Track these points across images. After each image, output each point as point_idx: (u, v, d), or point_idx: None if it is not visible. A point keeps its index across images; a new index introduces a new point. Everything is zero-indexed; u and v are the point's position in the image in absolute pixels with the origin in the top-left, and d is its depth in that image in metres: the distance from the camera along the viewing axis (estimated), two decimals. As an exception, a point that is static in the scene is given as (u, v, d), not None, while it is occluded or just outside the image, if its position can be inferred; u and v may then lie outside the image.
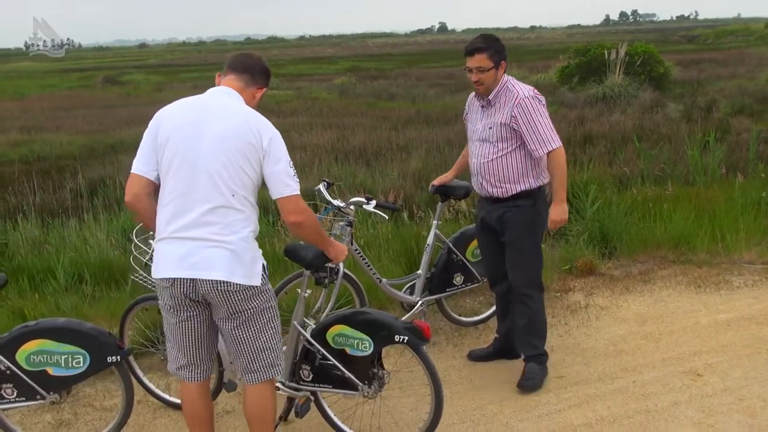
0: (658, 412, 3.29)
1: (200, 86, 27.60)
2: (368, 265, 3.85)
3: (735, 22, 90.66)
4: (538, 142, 3.34)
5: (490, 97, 3.45)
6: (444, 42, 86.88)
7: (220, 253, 2.45)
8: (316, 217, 2.61)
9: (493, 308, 4.42)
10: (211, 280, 2.45)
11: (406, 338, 2.78)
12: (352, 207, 3.66)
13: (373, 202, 3.67)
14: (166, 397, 3.50)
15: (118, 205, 7.28)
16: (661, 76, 19.47)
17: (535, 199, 3.50)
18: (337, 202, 3.62)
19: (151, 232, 3.13)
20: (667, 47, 40.26)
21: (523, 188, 3.46)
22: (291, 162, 2.55)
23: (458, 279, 4.12)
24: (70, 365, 2.87)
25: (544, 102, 3.45)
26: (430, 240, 4.02)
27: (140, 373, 3.54)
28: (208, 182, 2.44)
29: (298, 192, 2.53)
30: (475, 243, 4.13)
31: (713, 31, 61.39)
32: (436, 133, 13.55)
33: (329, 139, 13.20)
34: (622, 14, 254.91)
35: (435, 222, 4.03)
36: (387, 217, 3.93)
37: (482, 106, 3.53)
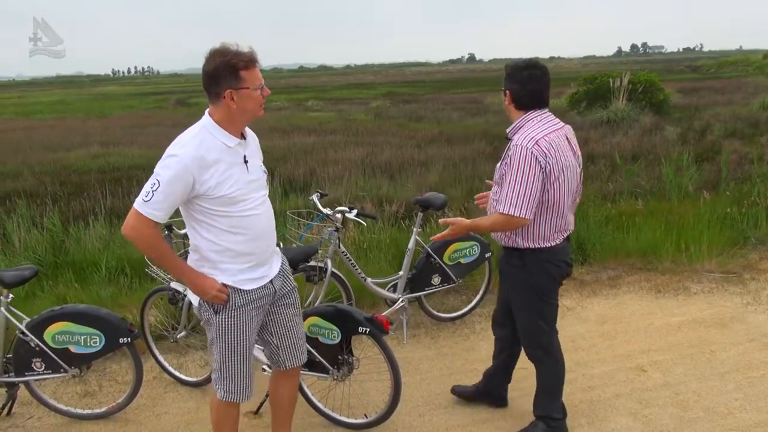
0: (600, 402, 3.25)
1: (255, 108, 28.14)
2: (354, 266, 3.90)
3: (736, 54, 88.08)
4: (502, 199, 2.57)
5: (508, 130, 2.71)
6: (471, 71, 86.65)
7: None
8: (157, 242, 2.23)
9: (470, 306, 4.44)
10: None
11: (368, 329, 2.82)
12: (338, 215, 3.71)
13: (355, 211, 3.72)
14: (178, 374, 3.59)
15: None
16: (661, 102, 19.18)
17: (526, 262, 2.73)
18: (326, 211, 3.69)
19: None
20: (672, 76, 39.40)
21: (512, 244, 2.74)
22: (156, 179, 2.14)
23: (436, 280, 4.13)
24: (88, 344, 3.00)
25: (539, 158, 2.52)
26: (411, 245, 4.05)
27: (157, 353, 3.65)
28: None
29: (139, 209, 2.15)
30: (452, 248, 4.14)
31: (715, 61, 59.77)
32: (455, 151, 13.57)
33: (360, 155, 13.30)
34: (633, 46, 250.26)
35: (415, 229, 4.05)
36: (364, 224, 3.96)
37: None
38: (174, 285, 3.32)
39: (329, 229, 3.71)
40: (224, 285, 2.31)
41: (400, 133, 17.88)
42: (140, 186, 2.28)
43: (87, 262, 5.13)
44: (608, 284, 4.92)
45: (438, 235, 2.57)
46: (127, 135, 20.04)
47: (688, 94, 25.01)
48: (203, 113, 2.28)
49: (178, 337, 3.51)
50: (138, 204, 2.17)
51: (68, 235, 6.12)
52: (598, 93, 19.14)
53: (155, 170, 2.17)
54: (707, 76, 41.56)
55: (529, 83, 2.63)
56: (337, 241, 3.73)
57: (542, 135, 2.56)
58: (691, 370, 3.55)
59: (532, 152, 2.52)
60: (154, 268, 3.30)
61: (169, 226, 3.14)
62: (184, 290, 3.32)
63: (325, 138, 16.95)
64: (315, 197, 3.78)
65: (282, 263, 2.55)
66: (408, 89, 41.41)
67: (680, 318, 4.27)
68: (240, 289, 2.33)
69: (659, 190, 7.23)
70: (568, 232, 2.80)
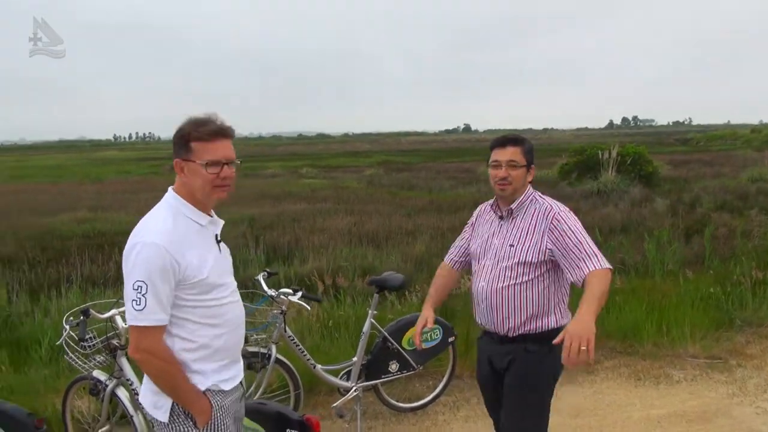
0: None
1: (249, 174, 28.36)
2: (302, 351, 3.60)
3: (725, 128, 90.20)
4: (584, 259, 2.34)
5: (513, 206, 2.53)
6: (467, 141, 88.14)
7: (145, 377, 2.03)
8: (166, 364, 1.90)
9: (433, 394, 4.11)
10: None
11: (297, 432, 2.51)
12: (283, 297, 3.45)
13: (299, 294, 3.47)
14: (101, 473, 3.23)
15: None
16: (650, 174, 19.30)
17: (551, 346, 2.41)
18: (270, 292, 3.43)
19: (71, 318, 2.98)
20: (663, 148, 40.01)
21: (540, 328, 2.49)
22: (139, 281, 1.84)
23: (393, 366, 3.82)
24: (-13, 444, 2.67)
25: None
26: (365, 328, 3.75)
27: (80, 449, 3.30)
28: None
29: (139, 323, 1.85)
30: (410, 332, 3.85)
31: (704, 135, 60.97)
32: (444, 220, 13.41)
33: (347, 224, 13.12)
34: (624, 119, 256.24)
35: (371, 311, 3.77)
36: (309, 308, 3.68)
37: (500, 218, 2.58)
38: (96, 374, 3.02)
39: (274, 311, 3.44)
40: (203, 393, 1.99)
41: (391, 201, 17.81)
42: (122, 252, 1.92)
43: (31, 339, 4.80)
44: (585, 370, 4.58)
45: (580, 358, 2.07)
46: (118, 200, 19.95)
47: (678, 167, 25.26)
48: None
49: (99, 432, 3.16)
50: (133, 319, 1.86)
51: (35, 305, 5.84)
52: (587, 164, 19.34)
53: (126, 266, 1.88)
54: (697, 149, 42.24)
55: None
56: (283, 324, 3.45)
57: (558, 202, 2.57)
58: (670, 475, 3.21)
59: (571, 213, 2.51)
60: (72, 354, 3.00)
61: (85, 311, 2.87)
62: (106, 380, 3.02)
63: (315, 206, 16.85)
64: (261, 277, 3.53)
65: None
66: (403, 158, 41.83)
67: (660, 410, 3.93)
68: (220, 390, 2.02)
69: (643, 266, 6.99)
70: None
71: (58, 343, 2.88)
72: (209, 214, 2.04)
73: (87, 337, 2.87)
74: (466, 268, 2.81)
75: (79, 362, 2.99)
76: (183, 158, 1.96)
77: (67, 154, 67.03)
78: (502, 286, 2.50)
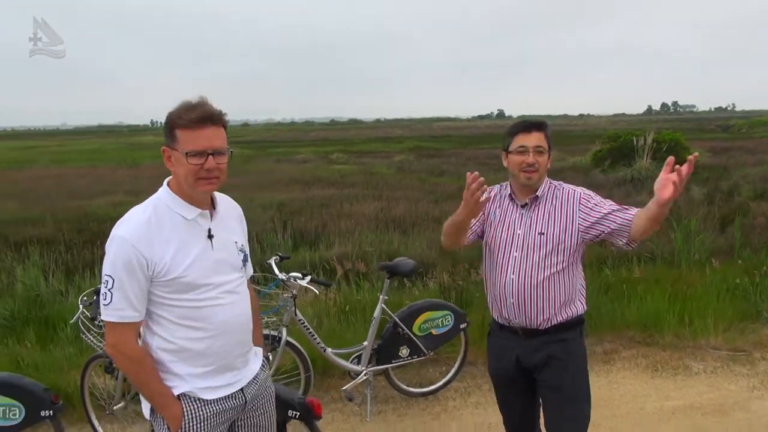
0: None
1: (282, 160, 28.57)
2: (312, 335, 3.64)
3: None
4: (623, 210, 2.30)
5: (539, 193, 2.42)
6: (500, 126, 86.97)
7: None
8: (132, 363, 1.83)
9: (444, 380, 4.11)
10: None
11: (299, 414, 2.55)
12: (293, 280, 3.49)
13: (308, 278, 3.50)
14: (117, 448, 3.35)
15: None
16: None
17: (581, 330, 2.50)
18: (281, 276, 3.47)
19: (84, 297, 3.07)
20: (702, 135, 38.76)
21: (570, 316, 2.43)
22: (108, 277, 1.76)
23: (404, 352, 3.84)
24: (6, 417, 2.78)
25: None
26: (376, 313, 3.78)
27: (97, 425, 3.42)
28: None
29: (107, 319, 1.79)
30: (422, 317, 3.87)
31: (747, 121, 58.71)
32: (471, 207, 13.30)
33: (375, 209, 13.14)
34: (664, 105, 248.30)
35: (382, 296, 3.79)
36: (318, 292, 3.72)
37: (522, 206, 2.43)
38: (111, 352, 3.11)
39: (285, 295, 3.49)
40: (178, 397, 1.86)
41: (420, 187, 17.73)
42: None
43: (59, 318, 4.98)
44: (602, 359, 4.54)
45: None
46: (153, 184, 19.85)
47: (718, 154, 24.49)
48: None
49: (115, 408, 3.27)
50: (103, 313, 1.79)
51: (69, 285, 6.05)
52: (621, 151, 18.94)
53: (104, 262, 1.79)
54: (739, 136, 40.79)
55: None
56: (294, 308, 3.50)
57: None
58: (680, 468, 3.15)
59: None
60: (87, 333, 3.10)
61: (98, 291, 2.94)
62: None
63: (344, 191, 16.89)
64: (273, 261, 3.57)
65: (262, 366, 2.10)
66: (434, 144, 41.55)
67: (676, 402, 3.86)
68: (199, 399, 1.88)
69: (670, 255, 6.82)
70: None
71: (71, 322, 2.98)
72: (203, 207, 1.88)
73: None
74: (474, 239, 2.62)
75: (94, 341, 3.09)
76: (169, 146, 1.82)
77: (106, 138, 68.66)
78: (541, 278, 2.36)
